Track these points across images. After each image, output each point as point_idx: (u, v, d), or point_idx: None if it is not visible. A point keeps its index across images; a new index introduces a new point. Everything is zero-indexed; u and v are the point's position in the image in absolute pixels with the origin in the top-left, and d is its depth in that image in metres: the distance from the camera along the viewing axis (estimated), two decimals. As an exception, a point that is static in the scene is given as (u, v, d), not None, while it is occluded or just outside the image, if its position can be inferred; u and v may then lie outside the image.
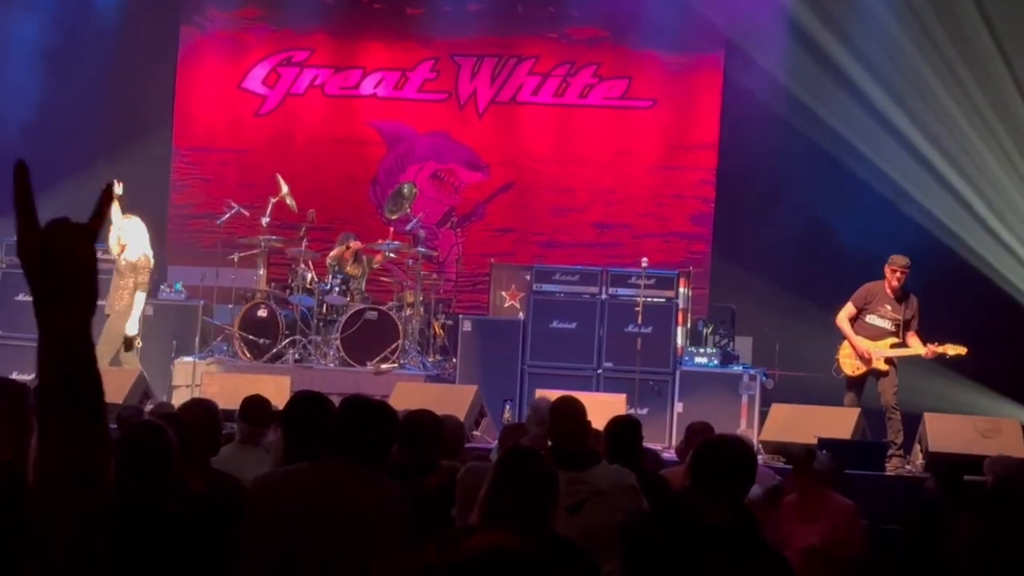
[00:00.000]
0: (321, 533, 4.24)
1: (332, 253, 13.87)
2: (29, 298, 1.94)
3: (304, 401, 5.24)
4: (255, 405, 7.17)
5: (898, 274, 11.49)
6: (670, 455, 9.73)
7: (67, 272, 1.88)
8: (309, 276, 13.53)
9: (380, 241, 13.96)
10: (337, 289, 13.46)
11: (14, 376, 12.95)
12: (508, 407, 9.87)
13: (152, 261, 12.51)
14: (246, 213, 13.87)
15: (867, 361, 11.53)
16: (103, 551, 1.92)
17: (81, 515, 1.90)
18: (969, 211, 14.31)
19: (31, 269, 1.90)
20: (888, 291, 11.57)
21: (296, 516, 4.27)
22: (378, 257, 14.01)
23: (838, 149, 14.80)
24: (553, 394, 6.79)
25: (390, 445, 4.59)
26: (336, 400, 4.97)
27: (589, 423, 5.86)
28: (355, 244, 13.84)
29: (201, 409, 6.02)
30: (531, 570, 2.11)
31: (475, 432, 11.22)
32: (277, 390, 10.83)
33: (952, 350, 11.69)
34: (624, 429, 6.35)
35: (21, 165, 1.92)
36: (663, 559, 4.06)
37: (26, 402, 5.07)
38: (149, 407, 10.68)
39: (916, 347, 11.53)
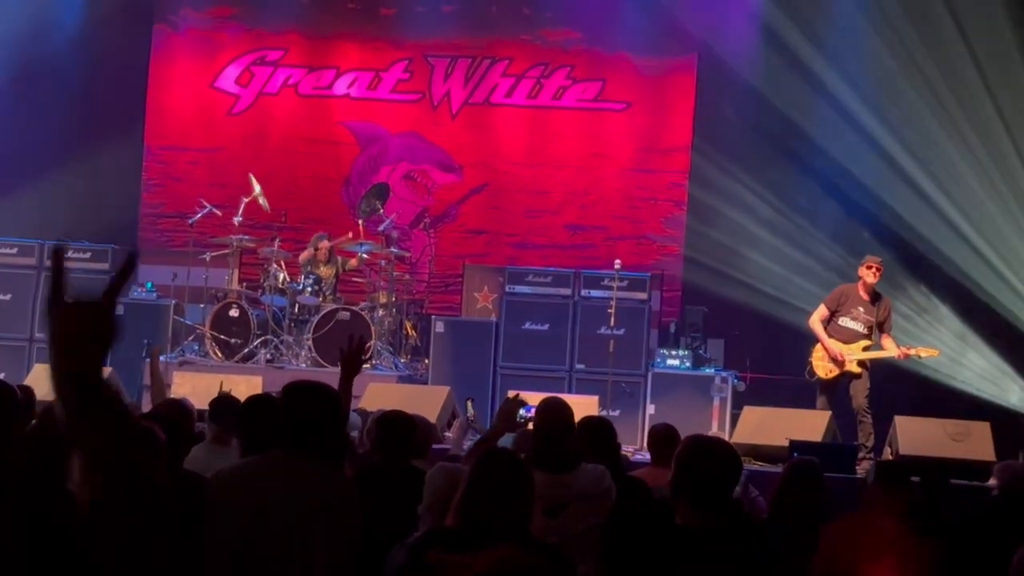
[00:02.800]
0: (275, 527, 4.25)
1: (303, 254, 13.83)
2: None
3: (260, 401, 5.26)
4: (224, 405, 7.15)
5: (873, 270, 11.53)
6: (642, 456, 9.74)
7: (80, 343, 2.16)
8: (281, 276, 13.49)
9: (348, 236, 13.91)
10: (309, 289, 13.43)
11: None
12: (470, 404, 9.86)
13: None
14: (218, 212, 13.82)
15: (840, 364, 11.56)
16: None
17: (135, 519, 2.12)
18: (937, 212, 14.37)
19: (51, 336, 2.17)
20: (862, 293, 11.61)
21: (250, 510, 4.28)
22: (353, 260, 13.97)
23: (809, 151, 14.86)
24: (527, 396, 6.77)
25: (338, 428, 4.59)
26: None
27: (573, 426, 5.85)
28: (324, 244, 13.79)
29: (176, 409, 5.98)
30: None
31: (447, 433, 11.20)
32: (249, 390, 10.78)
33: (924, 352, 11.76)
34: (598, 429, 6.34)
35: (59, 250, 2.22)
36: (642, 562, 4.06)
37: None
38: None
39: (890, 349, 11.58)
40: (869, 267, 11.56)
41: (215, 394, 7.74)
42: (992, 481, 7.68)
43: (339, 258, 14.03)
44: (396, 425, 6.13)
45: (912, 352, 11.65)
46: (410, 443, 6.13)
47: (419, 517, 5.05)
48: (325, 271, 13.77)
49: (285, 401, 4.54)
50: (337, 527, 4.27)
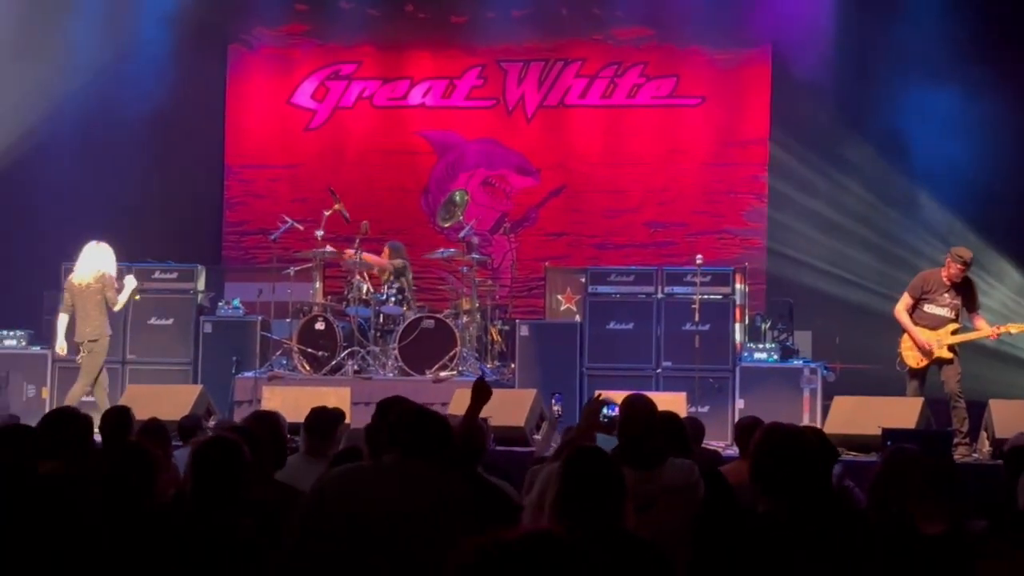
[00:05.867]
0: (384, 532, 4.26)
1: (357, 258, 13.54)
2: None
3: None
4: (321, 417, 7.21)
5: (962, 269, 11.33)
6: (733, 452, 9.67)
7: None
8: (365, 287, 13.56)
9: (346, 254, 13.62)
10: (393, 299, 13.49)
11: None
12: (556, 401, 9.85)
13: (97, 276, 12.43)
14: (300, 227, 13.92)
15: (928, 353, 11.41)
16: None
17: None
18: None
19: None
20: (945, 279, 11.44)
21: (358, 515, 4.30)
22: (348, 252, 13.68)
23: (890, 138, 14.69)
24: (615, 395, 6.75)
25: (449, 440, 4.62)
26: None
27: (658, 422, 5.83)
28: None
29: (267, 422, 6.03)
30: (577, 560, 2.10)
31: (536, 436, 11.21)
32: (338, 402, 10.87)
33: (1015, 328, 11.57)
34: (669, 425, 6.31)
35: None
36: (732, 553, 4.04)
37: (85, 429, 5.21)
38: (212, 423, 10.76)
39: (983, 328, 11.40)
40: (956, 262, 11.35)
41: (305, 408, 7.81)
42: None
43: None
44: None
45: (1003, 330, 11.47)
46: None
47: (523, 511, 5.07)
48: (380, 277, 13.75)
49: (400, 414, 4.58)
50: (454, 530, 4.28)
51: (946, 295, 11.46)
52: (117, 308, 12.31)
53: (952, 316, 11.46)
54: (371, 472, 4.52)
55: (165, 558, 4.24)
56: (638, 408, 5.64)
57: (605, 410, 5.94)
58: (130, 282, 12.41)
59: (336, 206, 13.82)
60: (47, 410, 12.70)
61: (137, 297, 12.80)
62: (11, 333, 13.79)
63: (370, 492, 4.38)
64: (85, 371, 12.12)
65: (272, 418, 6.18)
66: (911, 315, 11.52)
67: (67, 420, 5.65)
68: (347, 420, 8.44)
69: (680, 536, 5.12)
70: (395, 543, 4.26)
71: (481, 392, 5.67)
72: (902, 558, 4.92)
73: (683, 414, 9.01)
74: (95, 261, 12.33)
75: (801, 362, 13.03)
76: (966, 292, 11.48)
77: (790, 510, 3.98)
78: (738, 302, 13.28)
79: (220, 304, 13.91)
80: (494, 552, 2.07)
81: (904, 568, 4.04)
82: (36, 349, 13.75)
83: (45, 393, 13.54)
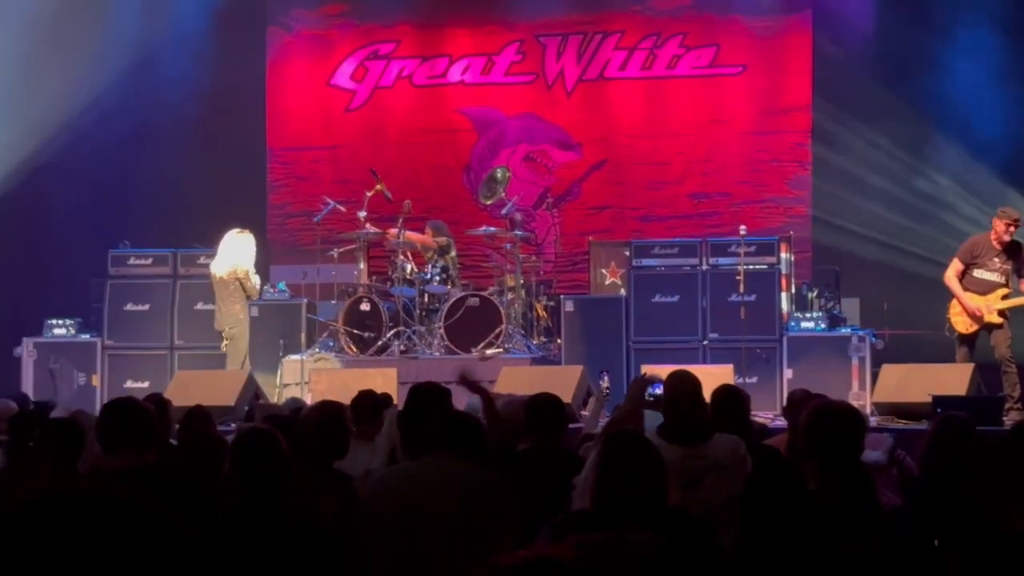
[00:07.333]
0: (433, 528, 4.26)
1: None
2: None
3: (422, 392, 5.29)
4: (366, 401, 7.23)
5: (1012, 228, 11.23)
6: (782, 423, 9.63)
7: None
8: (409, 267, 13.57)
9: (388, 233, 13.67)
10: (437, 278, 13.50)
11: (128, 384, 13.27)
12: (606, 377, 9.82)
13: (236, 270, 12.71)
14: (343, 209, 13.94)
15: (978, 319, 11.31)
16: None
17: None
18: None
19: None
20: (994, 243, 11.33)
21: (407, 513, 4.30)
22: (391, 231, 13.67)
23: (934, 100, 14.54)
24: (660, 369, 6.73)
25: (484, 432, 4.62)
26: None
27: (702, 396, 5.81)
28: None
29: (328, 412, 5.99)
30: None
31: (583, 412, 11.20)
32: (384, 382, 10.92)
33: None
34: (728, 398, 6.29)
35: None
36: (779, 528, 4.01)
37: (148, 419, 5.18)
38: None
39: None
40: (1005, 222, 11.23)
41: (352, 390, 7.82)
42: None
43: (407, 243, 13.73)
44: (545, 408, 6.14)
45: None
46: (561, 424, 6.15)
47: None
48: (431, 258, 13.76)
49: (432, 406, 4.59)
50: (504, 529, 4.28)
51: (996, 259, 11.35)
52: (255, 297, 12.70)
53: (1002, 281, 11.35)
54: (414, 474, 4.52)
55: (220, 548, 4.26)
56: (682, 384, 5.63)
57: (650, 388, 5.93)
58: (256, 278, 12.78)
59: (378, 186, 13.83)
60: (98, 398, 12.90)
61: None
62: (60, 322, 13.89)
63: (414, 494, 4.39)
64: (229, 359, 12.64)
65: (337, 409, 6.13)
66: (961, 281, 11.42)
67: (127, 413, 5.55)
68: (395, 402, 8.44)
69: (729, 512, 5.11)
70: (437, 545, 4.27)
71: (471, 387, 5.67)
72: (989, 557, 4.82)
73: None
74: (230, 254, 12.65)
75: (849, 330, 12.92)
76: (1016, 256, 11.36)
77: (838, 488, 3.95)
78: (784, 271, 13.20)
79: (266, 287, 13.97)
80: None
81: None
82: (85, 337, 13.85)
83: (95, 381, 13.65)
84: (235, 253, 12.74)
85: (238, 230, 13.05)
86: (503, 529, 4.29)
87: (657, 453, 4.06)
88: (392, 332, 13.25)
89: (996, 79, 14.23)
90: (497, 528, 4.28)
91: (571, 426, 10.36)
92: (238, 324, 12.56)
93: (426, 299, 13.52)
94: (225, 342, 12.72)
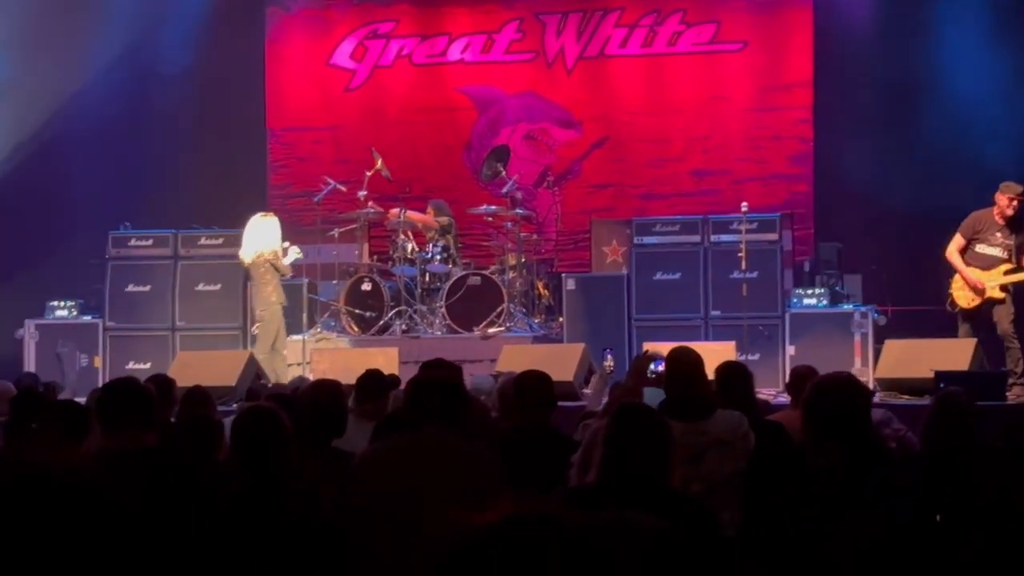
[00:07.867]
0: (423, 502, 4.26)
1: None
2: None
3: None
4: (372, 381, 7.23)
5: (1015, 203, 11.20)
6: (784, 399, 9.62)
7: None
8: (410, 246, 13.55)
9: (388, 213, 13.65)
10: (438, 257, 13.48)
11: (130, 365, 13.27)
12: (609, 355, 9.81)
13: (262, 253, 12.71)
14: (343, 189, 13.92)
15: (981, 292, 11.29)
16: None
17: None
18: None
19: None
20: (997, 218, 11.31)
21: (397, 487, 4.29)
22: (392, 211, 13.65)
23: (937, 75, 14.48)
24: (662, 347, 6.71)
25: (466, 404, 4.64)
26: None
27: (703, 372, 5.79)
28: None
29: (323, 390, 6.00)
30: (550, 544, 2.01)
31: (585, 390, 11.19)
32: (386, 362, 10.90)
33: None
34: (733, 374, 6.28)
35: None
36: (782, 504, 4.00)
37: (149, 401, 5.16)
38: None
39: None
40: (1008, 197, 11.21)
41: (354, 369, 7.81)
42: None
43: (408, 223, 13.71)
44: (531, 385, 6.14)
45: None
46: (549, 400, 6.14)
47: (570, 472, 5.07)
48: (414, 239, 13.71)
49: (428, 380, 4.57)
50: (483, 497, 4.27)
51: (998, 234, 11.33)
52: (288, 274, 12.79)
53: (1005, 256, 11.33)
54: (402, 445, 4.51)
55: (217, 529, 4.25)
56: (683, 361, 5.63)
57: (652, 365, 5.91)
58: (293, 252, 12.71)
59: (378, 166, 13.81)
60: (100, 379, 12.89)
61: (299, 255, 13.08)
62: (62, 303, 13.88)
63: (401, 465, 4.38)
64: (259, 339, 12.65)
65: (332, 387, 6.13)
66: (963, 257, 11.40)
67: (127, 393, 5.49)
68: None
69: (731, 488, 5.10)
70: (424, 513, 4.27)
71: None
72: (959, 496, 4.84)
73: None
74: (254, 239, 12.68)
75: (851, 306, 12.91)
76: (1019, 231, 11.34)
77: (843, 464, 3.93)
78: (786, 248, 13.18)
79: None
80: (478, 537, 2.00)
81: None
82: (87, 318, 13.84)
83: (98, 362, 13.64)
84: (258, 237, 12.70)
85: (262, 214, 13.05)
86: (487, 495, 4.29)
87: (667, 427, 4.05)
88: (394, 311, 13.24)
89: (1000, 53, 14.16)
90: (486, 500, 4.28)
91: (572, 404, 10.39)
92: (268, 307, 12.56)
93: (427, 278, 13.50)
94: (257, 324, 12.82)
